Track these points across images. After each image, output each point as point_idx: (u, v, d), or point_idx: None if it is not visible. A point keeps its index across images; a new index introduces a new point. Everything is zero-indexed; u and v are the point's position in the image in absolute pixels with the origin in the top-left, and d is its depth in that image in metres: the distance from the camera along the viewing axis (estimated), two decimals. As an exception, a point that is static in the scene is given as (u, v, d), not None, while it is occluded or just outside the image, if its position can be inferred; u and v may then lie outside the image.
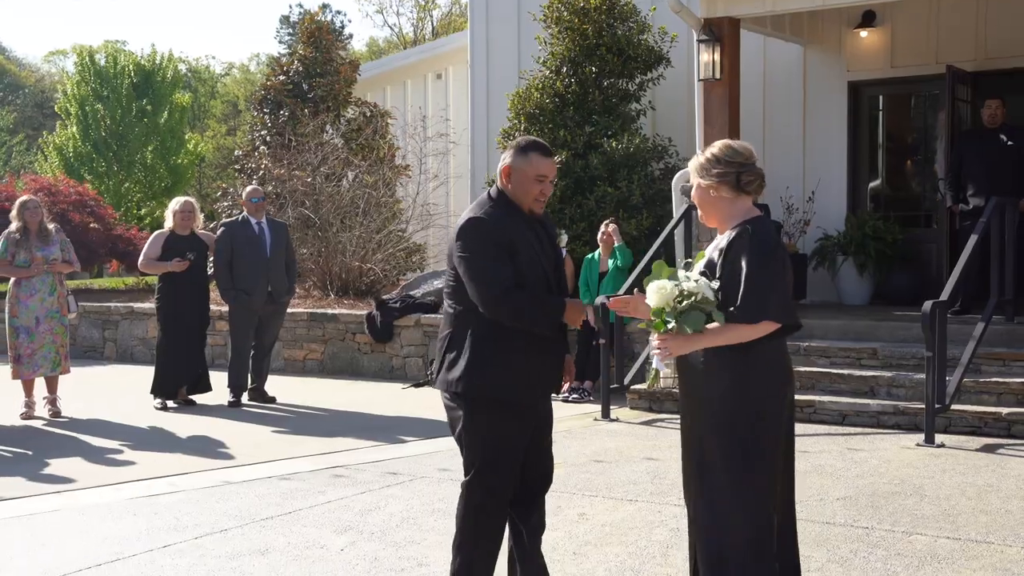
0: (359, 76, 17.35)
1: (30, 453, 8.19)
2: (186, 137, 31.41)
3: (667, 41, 12.28)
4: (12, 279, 9.67)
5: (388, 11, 76.47)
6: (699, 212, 4.19)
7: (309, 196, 14.55)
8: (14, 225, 9.59)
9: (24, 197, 10.16)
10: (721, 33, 10.33)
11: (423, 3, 55.39)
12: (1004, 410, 8.32)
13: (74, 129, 29.24)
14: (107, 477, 7.41)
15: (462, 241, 4.27)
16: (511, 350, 4.24)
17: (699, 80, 10.50)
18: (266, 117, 16.74)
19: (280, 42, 51.02)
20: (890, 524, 5.94)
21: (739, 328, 3.83)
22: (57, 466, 7.71)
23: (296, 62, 17.19)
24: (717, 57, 10.28)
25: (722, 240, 4.01)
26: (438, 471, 7.44)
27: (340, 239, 14.05)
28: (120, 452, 8.22)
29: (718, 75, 10.28)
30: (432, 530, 5.97)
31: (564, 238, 4.33)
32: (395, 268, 14.61)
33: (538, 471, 4.49)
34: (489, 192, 4.41)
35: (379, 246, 14.25)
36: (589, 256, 10.87)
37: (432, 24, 55.38)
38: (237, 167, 16.98)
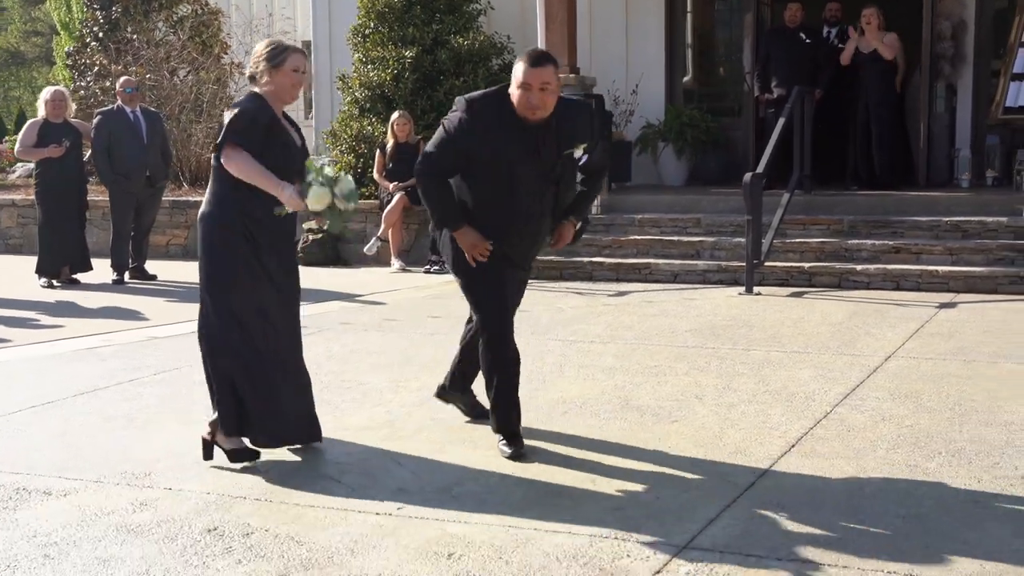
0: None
1: (-55, 324, 8.76)
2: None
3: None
4: None
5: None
6: None
7: (153, 91, 14.96)
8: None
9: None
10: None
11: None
12: (806, 264, 9.96)
13: None
14: (41, 336, 8.12)
15: (444, 120, 4.81)
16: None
17: (541, -22, 11.60)
18: (97, 13, 16.84)
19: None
20: (731, 345, 7.39)
21: None
22: (-22, 333, 8.34)
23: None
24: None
25: None
26: (340, 324, 8.48)
27: (190, 131, 14.60)
28: (37, 320, 8.89)
29: (559, -26, 11.41)
30: (357, 362, 7.05)
31: (578, 152, 4.79)
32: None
33: None
34: (499, 88, 4.82)
35: (225, 139, 14.83)
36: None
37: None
38: (69, 62, 17.07)
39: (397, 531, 4.03)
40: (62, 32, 19.89)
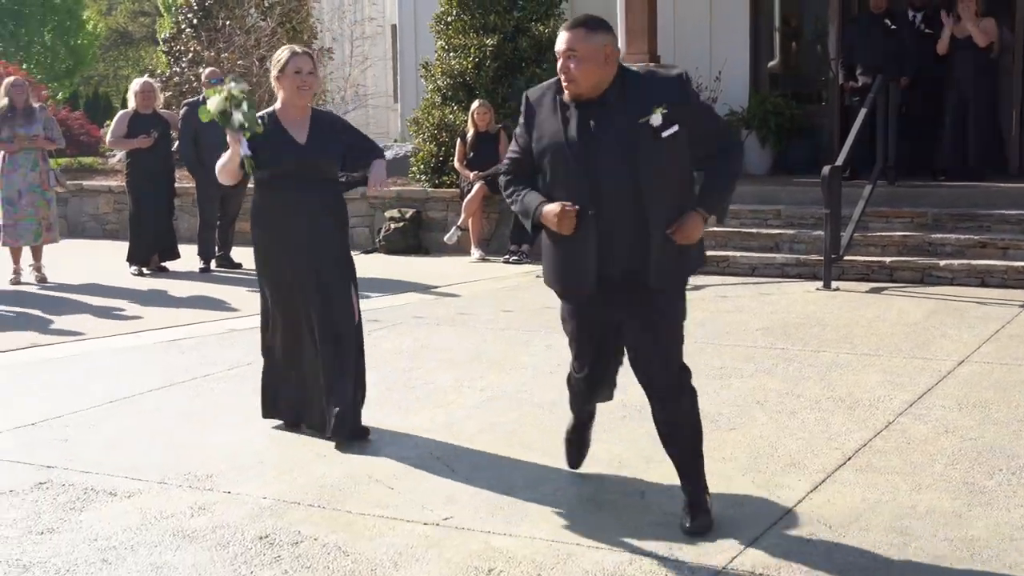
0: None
1: (36, 312, 9.09)
2: (84, 18, 31.10)
3: (589, -71, 13.17)
4: (0, 153, 10.36)
5: None
6: None
7: (245, 78, 15.21)
8: (2, 102, 10.28)
9: (11, 77, 10.87)
10: (642, -74, 11.35)
11: None
12: (888, 259, 9.78)
13: (-32, 8, 28.81)
14: (122, 328, 8.40)
15: None
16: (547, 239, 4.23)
17: (622, -30, 11.54)
18: (192, 1, 17.19)
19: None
20: (801, 345, 7.31)
21: None
22: (67, 322, 8.63)
23: (219, -56, 17.61)
24: (639, -51, 11.31)
25: None
26: (413, 318, 8.59)
27: (277, 118, 14.83)
28: (124, 310, 9.17)
29: (638, -37, 11.33)
30: (427, 359, 7.14)
31: (656, 118, 3.95)
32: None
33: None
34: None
35: (313, 125, 15.07)
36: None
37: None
38: (164, 48, 17.48)
39: (442, 543, 4.10)
40: (164, 14, 20.36)
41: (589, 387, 4.51)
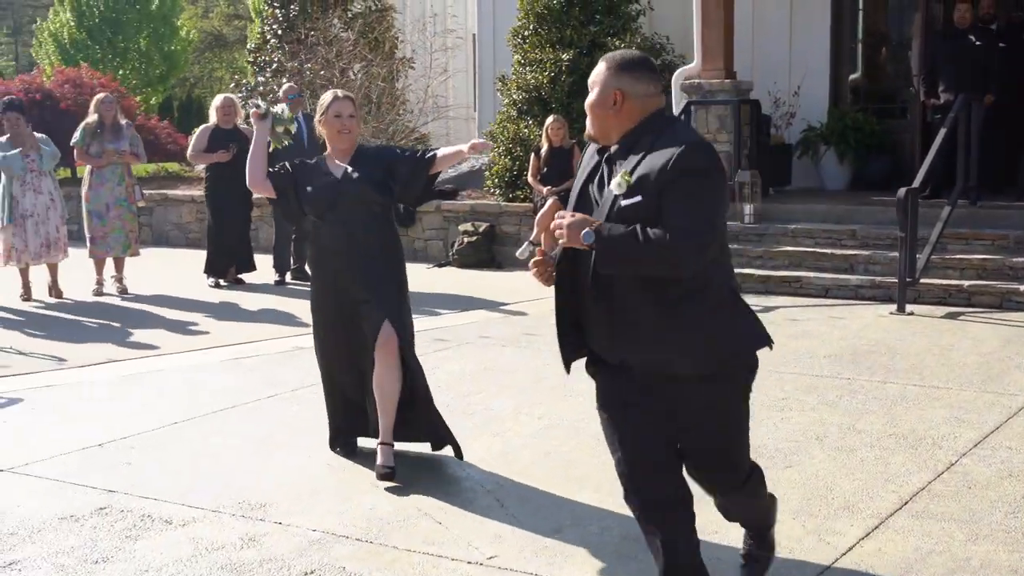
0: (365, -30, 18.03)
1: (116, 325, 9.32)
2: (178, 24, 31.83)
3: (666, -56, 13.12)
4: (88, 167, 10.71)
5: None
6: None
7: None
8: (92, 118, 10.64)
9: (101, 94, 11.29)
10: (717, -62, 11.25)
11: None
12: (966, 283, 9.56)
13: (68, 15, 29.63)
14: (194, 344, 8.57)
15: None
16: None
17: (697, -18, 11.46)
18: (277, 12, 17.48)
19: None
20: (868, 375, 7.19)
21: None
22: (142, 335, 8.84)
23: (303, -43, 17.86)
24: (714, -39, 11.21)
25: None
26: (479, 338, 8.62)
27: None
28: (197, 323, 9.37)
29: (715, -22, 11.23)
30: (488, 383, 7.17)
31: (618, 180, 3.41)
32: (407, 157, 15.60)
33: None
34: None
35: (392, 137, 15.23)
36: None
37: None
38: (250, 59, 17.79)
39: (483, 584, 4.12)
40: (255, 19, 20.64)
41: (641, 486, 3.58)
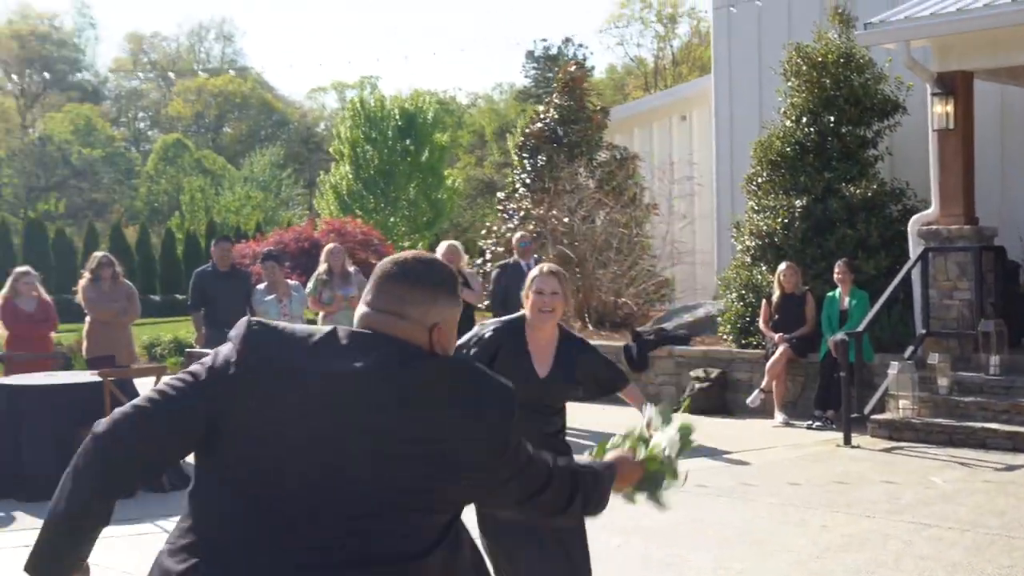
0: (608, 121, 18.66)
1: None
2: (444, 173, 33.76)
3: (903, 90, 12.92)
4: (320, 313, 11.47)
5: (628, 43, 78.36)
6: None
7: (567, 235, 15.94)
8: (322, 268, 11.46)
9: (330, 245, 12.06)
10: (955, 86, 11.01)
11: (663, 34, 56.78)
12: None
13: (347, 169, 32.01)
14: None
15: None
16: None
17: (933, 131, 11.22)
18: (525, 162, 18.31)
19: (526, 76, 53.67)
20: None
21: None
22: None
23: (552, 110, 18.71)
24: (951, 109, 10.98)
25: None
26: (695, 487, 8.53)
27: (596, 275, 15.39)
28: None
29: (952, 126, 10.98)
30: (690, 535, 7.10)
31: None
32: (646, 302, 15.82)
33: None
34: None
35: (631, 281, 15.49)
36: (831, 294, 11.77)
37: (672, 52, 56.70)
38: (499, 207, 18.61)
39: None
40: (516, 164, 21.48)
41: None
